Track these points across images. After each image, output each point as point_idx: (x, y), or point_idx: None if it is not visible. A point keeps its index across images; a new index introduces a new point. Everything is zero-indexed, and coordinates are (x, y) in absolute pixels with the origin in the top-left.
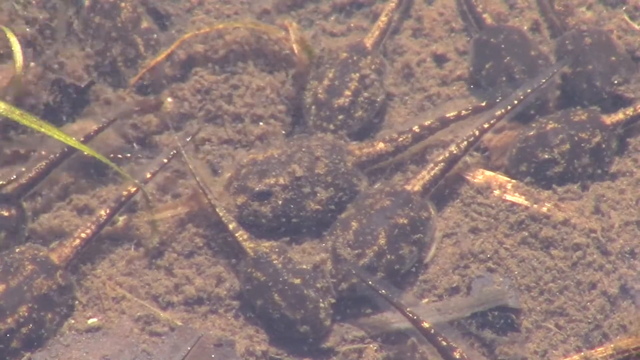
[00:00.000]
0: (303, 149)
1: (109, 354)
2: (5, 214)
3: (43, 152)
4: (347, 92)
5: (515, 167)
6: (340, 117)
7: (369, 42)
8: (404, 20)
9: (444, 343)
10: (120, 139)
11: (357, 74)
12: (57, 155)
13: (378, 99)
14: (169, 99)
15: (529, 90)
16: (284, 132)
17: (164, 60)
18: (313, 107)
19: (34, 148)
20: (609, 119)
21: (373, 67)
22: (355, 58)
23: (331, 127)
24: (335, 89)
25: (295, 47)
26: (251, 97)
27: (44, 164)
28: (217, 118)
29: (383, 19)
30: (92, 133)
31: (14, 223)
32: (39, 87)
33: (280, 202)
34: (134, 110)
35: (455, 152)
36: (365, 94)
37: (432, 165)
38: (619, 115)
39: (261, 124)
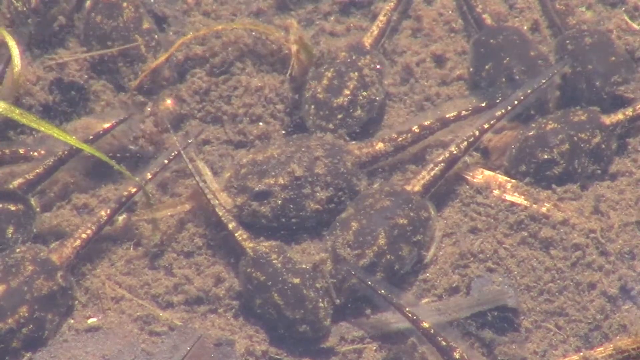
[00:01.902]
0: (302, 149)
1: (108, 353)
2: (12, 208)
3: (43, 152)
4: (346, 92)
5: (515, 167)
6: (340, 116)
7: (367, 41)
8: (404, 20)
9: (444, 343)
10: (122, 138)
11: (356, 73)
12: (65, 152)
13: (377, 98)
14: (169, 100)
15: (529, 91)
16: (283, 132)
17: (164, 62)
18: (312, 106)
19: (33, 149)
20: (608, 119)
21: (372, 66)
22: (354, 57)
23: (330, 126)
24: (334, 88)
25: (293, 47)
26: (250, 97)
27: (51, 160)
28: (216, 119)
29: (382, 18)
30: (100, 132)
31: (21, 218)
32: (39, 87)
33: (279, 202)
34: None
35: (455, 152)
36: (364, 93)
37: (432, 165)
38: (619, 116)
39: (260, 123)
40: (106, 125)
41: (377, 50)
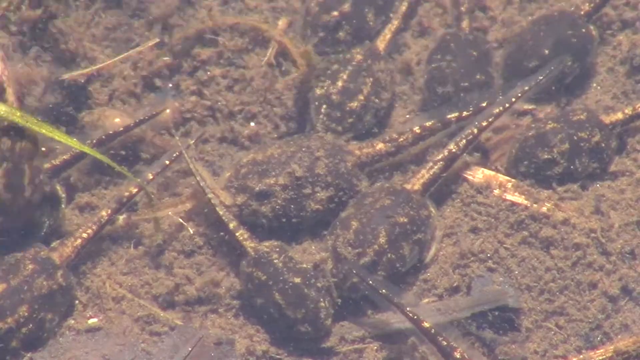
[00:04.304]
0: (303, 149)
1: (108, 353)
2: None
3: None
4: (361, 97)
5: (515, 167)
6: (350, 120)
7: (381, 45)
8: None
9: (445, 343)
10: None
11: (371, 79)
12: (94, 141)
13: (385, 105)
14: (168, 111)
15: (526, 88)
16: (276, 135)
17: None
18: (324, 106)
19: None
20: (607, 119)
21: (386, 72)
22: (369, 62)
23: (339, 128)
24: (349, 91)
25: (294, 53)
26: (249, 97)
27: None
28: (214, 118)
29: (395, 22)
30: (118, 131)
31: (48, 202)
32: (40, 88)
33: (280, 202)
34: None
35: (454, 150)
36: (376, 100)
37: (431, 164)
38: (618, 115)
39: (252, 124)
40: (124, 126)
41: (387, 54)
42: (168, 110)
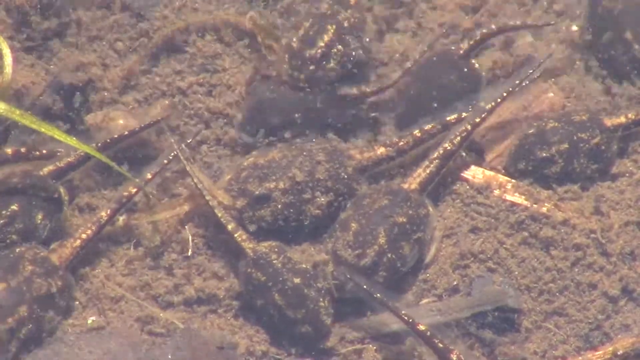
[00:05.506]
0: (304, 153)
1: (110, 353)
2: (43, 194)
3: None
4: (321, 43)
5: (514, 165)
6: (312, 67)
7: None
8: (404, 21)
9: (441, 345)
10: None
11: (334, 26)
12: (99, 144)
13: (354, 53)
14: (159, 107)
15: (517, 82)
16: None
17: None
18: (286, 56)
19: (36, 148)
20: (609, 121)
21: (352, 20)
22: (335, 10)
23: (302, 77)
24: (309, 38)
25: (258, 35)
26: (232, 96)
27: (83, 151)
28: (206, 124)
29: None
30: (124, 135)
31: (51, 205)
32: (39, 89)
33: (280, 206)
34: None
35: (449, 148)
36: (340, 46)
37: (427, 162)
38: (620, 118)
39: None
40: (129, 130)
41: (360, 8)
42: (160, 108)
